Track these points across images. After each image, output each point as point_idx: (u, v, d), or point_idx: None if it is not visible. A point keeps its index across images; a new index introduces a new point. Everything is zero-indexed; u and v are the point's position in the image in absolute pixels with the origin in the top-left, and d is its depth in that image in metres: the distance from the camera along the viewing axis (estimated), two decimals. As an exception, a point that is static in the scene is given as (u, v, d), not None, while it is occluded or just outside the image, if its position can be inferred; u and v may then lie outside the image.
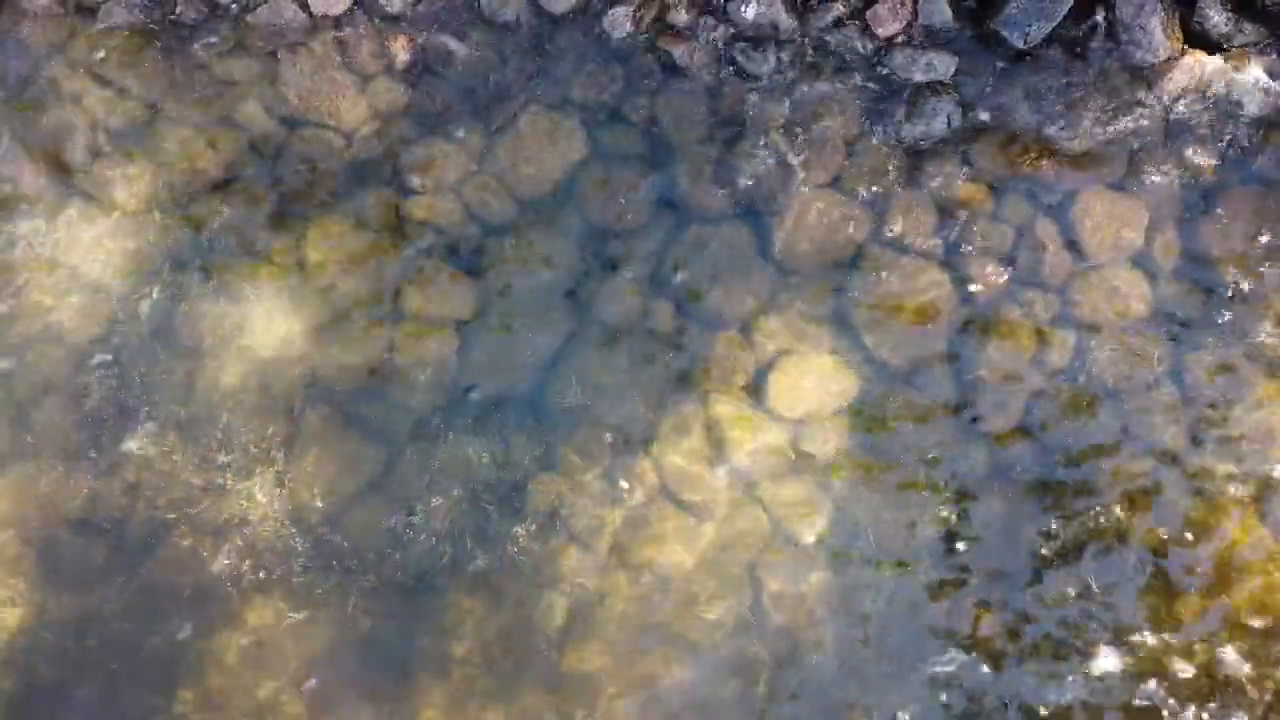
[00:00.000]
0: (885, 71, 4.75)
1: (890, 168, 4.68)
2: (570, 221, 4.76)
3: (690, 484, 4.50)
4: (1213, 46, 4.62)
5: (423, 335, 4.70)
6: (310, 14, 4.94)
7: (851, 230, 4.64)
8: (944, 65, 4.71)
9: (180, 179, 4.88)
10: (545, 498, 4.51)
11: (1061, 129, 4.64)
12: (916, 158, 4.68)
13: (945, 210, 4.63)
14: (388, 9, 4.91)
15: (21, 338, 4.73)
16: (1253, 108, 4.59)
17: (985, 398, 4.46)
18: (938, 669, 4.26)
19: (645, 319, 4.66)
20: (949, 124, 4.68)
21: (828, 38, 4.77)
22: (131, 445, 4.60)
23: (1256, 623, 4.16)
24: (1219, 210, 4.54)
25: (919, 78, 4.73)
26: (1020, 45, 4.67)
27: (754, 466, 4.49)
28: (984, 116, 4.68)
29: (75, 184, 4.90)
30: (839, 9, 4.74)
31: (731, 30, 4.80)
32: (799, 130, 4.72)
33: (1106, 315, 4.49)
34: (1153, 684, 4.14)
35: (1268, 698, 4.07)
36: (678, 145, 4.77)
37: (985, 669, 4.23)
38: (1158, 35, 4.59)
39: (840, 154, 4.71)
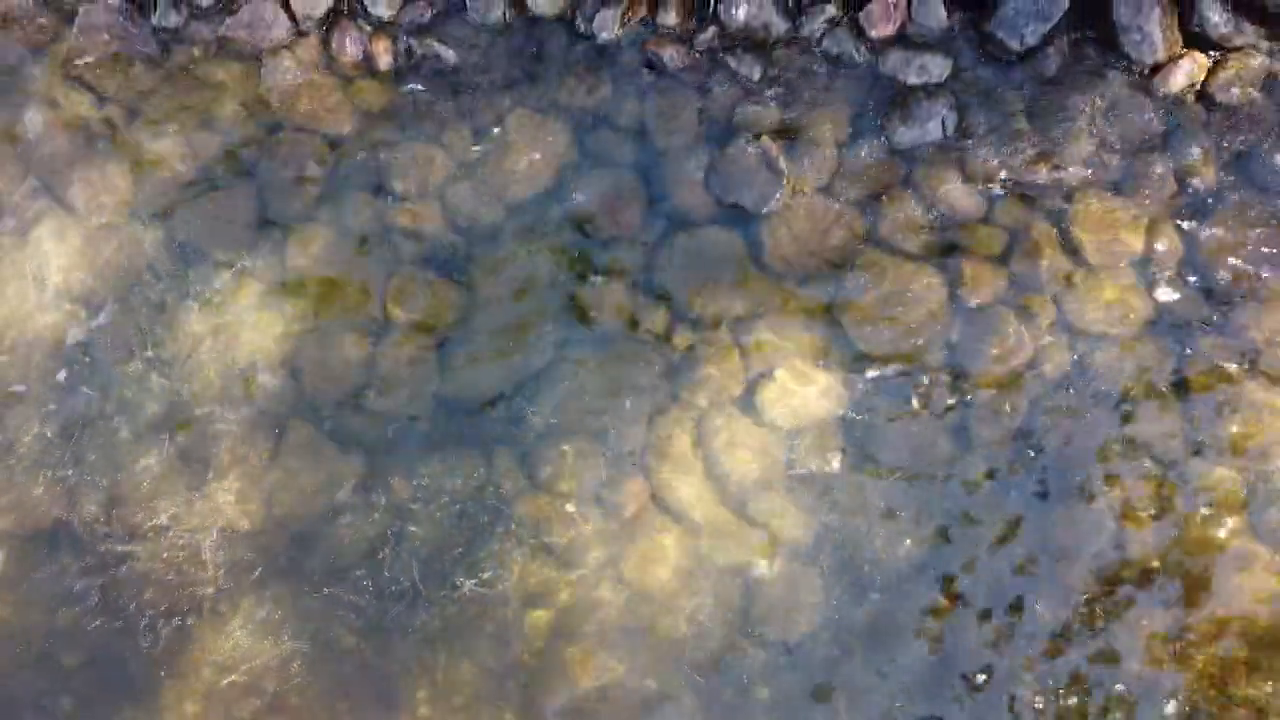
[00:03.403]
0: (879, 74, 4.66)
1: (884, 171, 4.59)
2: (557, 227, 4.66)
3: (681, 496, 4.39)
4: (1212, 47, 4.54)
5: (406, 345, 4.60)
6: (293, 16, 4.85)
7: (844, 235, 4.55)
8: (938, 67, 4.62)
9: (159, 184, 4.78)
10: (531, 510, 4.40)
11: (1058, 131, 4.55)
12: (910, 161, 4.59)
13: (940, 214, 4.54)
14: (372, 11, 4.82)
15: (-5, 346, 4.64)
16: (1251, 110, 4.50)
17: (981, 404, 4.36)
18: (929, 679, 4.15)
19: (634, 327, 4.55)
20: (943, 126, 4.59)
21: (820, 39, 4.69)
22: (105, 456, 4.50)
23: (1248, 633, 4.05)
24: (1219, 213, 4.44)
25: (913, 80, 4.64)
26: (1016, 47, 4.58)
27: (746, 476, 4.38)
28: (979, 119, 4.59)
29: (52, 190, 4.80)
30: (831, 10, 4.66)
31: (722, 32, 4.71)
32: (790, 133, 4.63)
33: (1105, 320, 4.39)
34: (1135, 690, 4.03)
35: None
36: (667, 149, 4.68)
37: (976, 678, 4.12)
38: (1156, 36, 4.50)
39: (832, 158, 4.61)
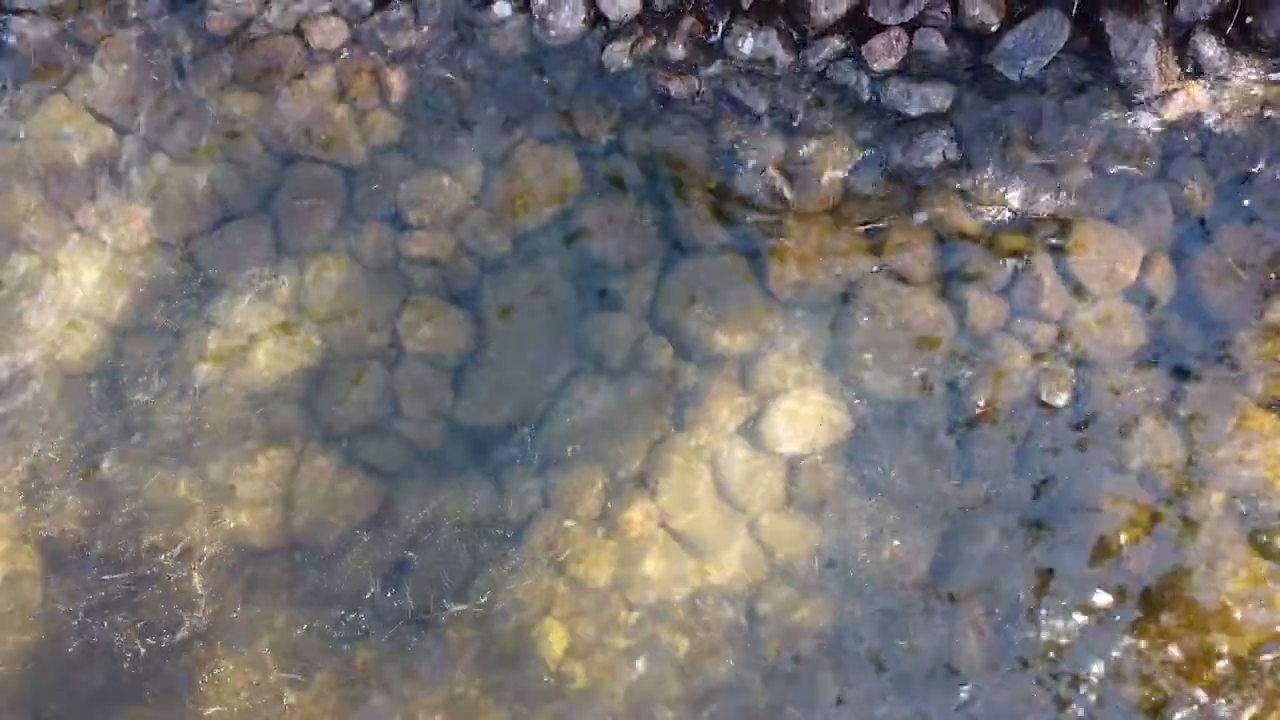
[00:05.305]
0: (881, 105, 4.76)
1: (887, 201, 4.69)
2: (567, 256, 4.76)
3: (688, 520, 4.49)
4: (1207, 80, 4.64)
5: (420, 372, 4.70)
6: (309, 48, 4.95)
7: (848, 264, 4.65)
8: (940, 98, 4.72)
9: (178, 214, 4.87)
10: (543, 535, 4.50)
11: (1057, 162, 4.66)
12: (913, 191, 4.69)
13: (942, 243, 4.64)
14: (385, 43, 4.92)
15: (22, 375, 4.72)
16: (1246, 140, 4.60)
17: (982, 432, 4.46)
18: (933, 702, 4.25)
19: (642, 354, 4.65)
20: (945, 157, 4.69)
21: (824, 72, 4.79)
22: (131, 482, 4.59)
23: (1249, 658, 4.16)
24: (1215, 243, 4.55)
25: (915, 111, 4.74)
26: (1016, 79, 4.69)
27: (752, 502, 4.49)
28: (980, 149, 4.69)
29: (74, 222, 4.89)
30: (835, 43, 4.76)
31: (728, 65, 4.81)
32: (795, 163, 4.73)
33: (1103, 349, 4.49)
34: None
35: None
36: (675, 179, 4.78)
37: (973, 695, 4.22)
38: (1152, 69, 4.60)
39: (837, 187, 4.72)
